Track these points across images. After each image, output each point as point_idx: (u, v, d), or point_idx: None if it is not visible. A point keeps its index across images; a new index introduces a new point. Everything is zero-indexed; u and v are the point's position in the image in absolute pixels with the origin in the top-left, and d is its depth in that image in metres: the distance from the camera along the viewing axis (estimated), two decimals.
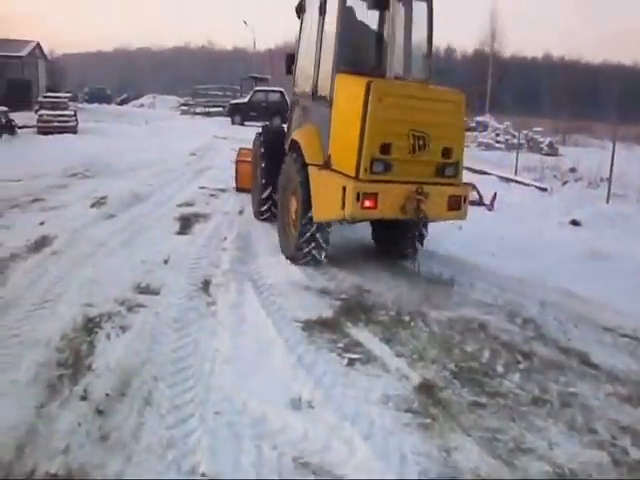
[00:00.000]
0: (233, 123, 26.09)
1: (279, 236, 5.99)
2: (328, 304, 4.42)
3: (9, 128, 15.06)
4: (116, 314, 4.02)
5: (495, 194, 8.91)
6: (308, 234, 5.34)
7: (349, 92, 5.12)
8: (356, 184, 4.71)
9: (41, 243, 5.66)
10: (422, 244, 5.84)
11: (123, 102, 54.41)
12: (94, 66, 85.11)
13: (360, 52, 5.91)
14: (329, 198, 4.98)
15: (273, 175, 6.41)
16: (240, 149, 8.92)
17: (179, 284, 4.71)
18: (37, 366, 3.23)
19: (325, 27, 5.69)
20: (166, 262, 5.29)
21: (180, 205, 7.89)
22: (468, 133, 22.66)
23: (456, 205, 5.05)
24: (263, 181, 6.85)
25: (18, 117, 18.83)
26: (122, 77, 76.34)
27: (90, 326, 3.82)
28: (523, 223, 8.02)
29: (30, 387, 3.04)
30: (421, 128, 4.86)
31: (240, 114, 26.22)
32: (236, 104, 27.90)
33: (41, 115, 16.80)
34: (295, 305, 4.33)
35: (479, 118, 24.86)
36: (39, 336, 3.60)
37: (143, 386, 3.14)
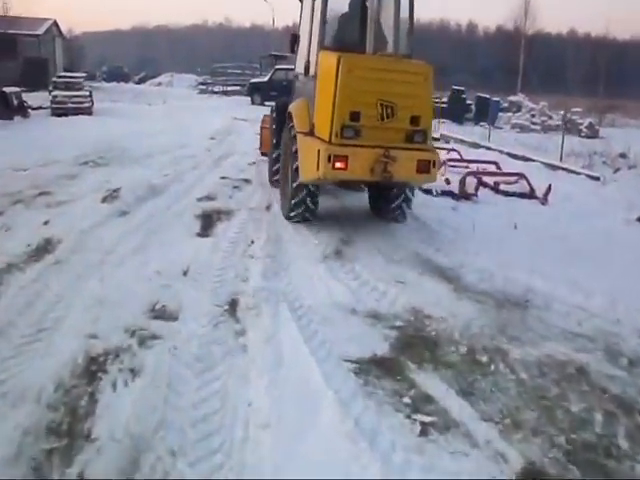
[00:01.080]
0: (253, 103, 25.17)
1: (281, 198, 6.72)
2: (382, 335, 3.63)
3: (22, 110, 14.36)
4: (125, 350, 3.28)
5: (550, 187, 7.98)
6: (299, 198, 6.01)
7: (327, 66, 5.63)
8: (328, 147, 5.32)
9: (43, 249, 4.95)
10: (410, 207, 6.46)
11: (141, 81, 53.81)
12: (112, 45, 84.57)
13: (344, 31, 6.43)
14: (309, 160, 5.61)
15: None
16: (264, 116, 9.12)
17: (201, 305, 3.95)
18: (21, 435, 2.50)
19: (315, 9, 6.29)
20: (185, 274, 4.54)
21: (200, 199, 7.10)
22: (501, 114, 21.63)
23: (425, 169, 5.52)
24: (274, 148, 7.47)
25: (34, 98, 18.26)
26: (140, 55, 75.72)
27: (93, 369, 3.08)
28: (584, 220, 7.10)
29: (7, 470, 2.31)
30: (389, 98, 5.39)
31: (260, 94, 25.21)
32: (256, 83, 26.94)
33: (55, 96, 16.10)
34: (342, 336, 3.54)
35: (512, 98, 23.58)
36: (28, 384, 2.87)
37: (157, 465, 2.40)
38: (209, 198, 7.23)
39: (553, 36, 61.13)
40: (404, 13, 6.28)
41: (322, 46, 5.97)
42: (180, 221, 6.11)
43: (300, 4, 7.16)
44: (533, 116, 20.78)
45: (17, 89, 15.38)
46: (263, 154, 9.10)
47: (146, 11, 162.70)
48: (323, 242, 5.48)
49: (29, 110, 14.92)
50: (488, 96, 21.26)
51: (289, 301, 4.02)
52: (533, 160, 11.52)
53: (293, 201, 6.08)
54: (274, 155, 7.47)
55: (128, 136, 12.16)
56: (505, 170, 9.52)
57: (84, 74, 20.36)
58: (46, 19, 34.06)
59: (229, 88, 37.83)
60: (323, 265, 4.82)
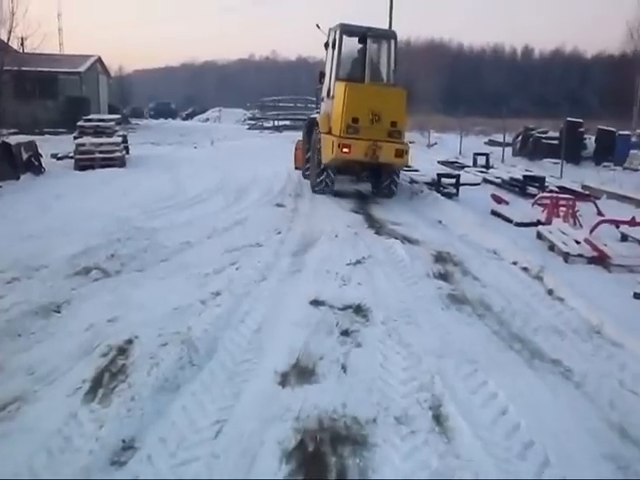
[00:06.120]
0: None
1: (310, 181, 10.60)
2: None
3: (32, 166, 11.21)
4: None
5: None
6: (321, 177, 9.80)
7: (339, 91, 9.53)
8: (338, 139, 9.10)
9: None
10: (396, 187, 10.07)
11: (188, 116, 52.23)
12: (162, 81, 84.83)
13: (351, 68, 10.23)
14: (327, 148, 9.41)
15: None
16: (298, 141, 12.51)
17: None
18: None
19: (334, 55, 10.18)
20: None
21: (285, 378, 3.43)
22: (635, 151, 17.26)
23: (400, 154, 9.28)
24: (307, 148, 11.20)
25: (68, 142, 15.26)
26: (188, 91, 74.99)
27: None
28: None
29: None
30: (377, 110, 9.21)
31: None
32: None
33: (80, 144, 12.98)
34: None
35: None
36: None
37: None
38: (304, 371, 3.54)
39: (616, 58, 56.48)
40: (391, 57, 10.21)
41: (337, 78, 9.91)
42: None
43: (325, 51, 10.75)
44: None
45: (29, 138, 12.37)
46: (297, 168, 12.49)
47: (195, 48, 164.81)
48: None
49: (43, 166, 11.75)
50: (614, 129, 17.11)
51: None
52: None
53: (318, 179, 9.87)
54: (307, 156, 11.08)
55: (162, 205, 8.71)
56: None
57: (118, 116, 17.33)
58: (89, 56, 32.08)
59: (281, 123, 34.90)
60: None
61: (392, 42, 10.22)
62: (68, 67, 29.24)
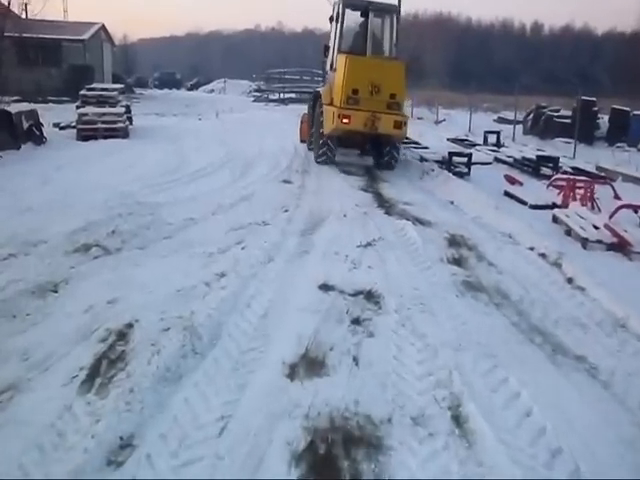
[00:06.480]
0: None
1: (313, 151, 10.91)
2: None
3: (33, 135, 10.92)
4: None
5: None
6: (324, 148, 10.13)
7: (340, 63, 9.81)
8: (339, 110, 9.42)
9: None
10: (396, 161, 10.34)
11: (193, 87, 51.49)
12: (167, 51, 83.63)
13: (353, 41, 10.56)
14: (329, 119, 9.73)
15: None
16: (303, 114, 12.93)
17: None
18: None
19: (337, 29, 10.47)
20: None
21: (294, 369, 3.25)
22: None
23: (398, 126, 9.54)
24: (312, 121, 11.37)
25: (72, 111, 14.87)
26: (193, 61, 73.94)
27: None
28: None
29: None
30: (376, 81, 9.48)
31: None
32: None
33: (83, 114, 12.64)
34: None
35: None
36: None
37: None
38: (311, 368, 3.33)
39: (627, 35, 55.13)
40: (394, 31, 10.46)
41: (339, 51, 10.25)
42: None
43: (330, 24, 10.91)
44: None
45: (31, 107, 12.03)
46: (302, 141, 12.71)
47: (200, 17, 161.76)
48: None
49: (44, 136, 11.43)
50: (629, 109, 16.64)
51: None
52: None
53: (320, 151, 10.21)
54: (312, 130, 11.27)
55: (166, 179, 8.43)
56: None
57: (121, 86, 16.89)
58: (93, 23, 31.38)
59: (286, 95, 34.28)
60: None
61: (394, 16, 10.48)
62: (71, 34, 28.59)
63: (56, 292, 4.33)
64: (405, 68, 9.80)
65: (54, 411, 2.89)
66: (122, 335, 3.68)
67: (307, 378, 3.26)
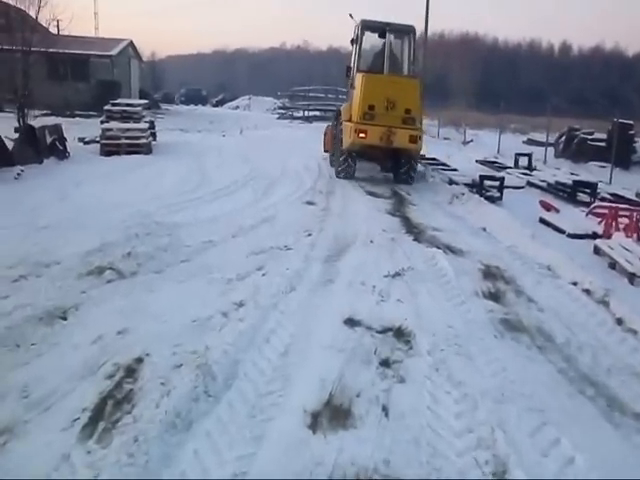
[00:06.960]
0: None
1: (334, 165, 11.58)
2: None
3: (57, 150, 10.84)
4: None
5: None
6: (344, 164, 10.64)
7: (358, 81, 10.37)
8: (356, 125, 9.94)
9: None
10: (414, 174, 10.81)
11: (218, 103, 51.90)
12: (194, 68, 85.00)
13: (372, 61, 11.20)
14: (347, 134, 10.22)
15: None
16: (327, 127, 13.74)
17: None
18: None
19: (357, 51, 11.19)
20: None
21: (316, 419, 2.92)
22: None
23: (413, 140, 9.96)
24: (334, 135, 11.82)
25: (97, 125, 14.84)
26: (219, 78, 74.87)
27: None
28: None
29: None
30: (392, 97, 9.99)
31: None
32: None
33: (107, 129, 12.58)
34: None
35: None
36: None
37: None
38: (336, 418, 2.98)
39: None
40: (411, 50, 11.04)
41: (358, 70, 10.86)
42: None
43: (351, 46, 11.44)
44: None
45: (56, 121, 12.01)
46: (326, 151, 13.30)
47: (227, 35, 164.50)
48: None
49: (67, 151, 11.36)
50: None
51: None
52: None
53: (340, 167, 10.74)
54: (333, 146, 12.01)
55: (184, 199, 8.18)
56: None
57: (145, 101, 16.90)
58: (121, 39, 31.80)
59: (311, 113, 34.24)
60: None
61: (411, 36, 11.04)
62: (100, 50, 29.01)
63: (65, 319, 4.07)
64: (420, 85, 10.45)
65: (50, 460, 2.61)
66: (131, 371, 3.39)
67: (331, 430, 2.92)
